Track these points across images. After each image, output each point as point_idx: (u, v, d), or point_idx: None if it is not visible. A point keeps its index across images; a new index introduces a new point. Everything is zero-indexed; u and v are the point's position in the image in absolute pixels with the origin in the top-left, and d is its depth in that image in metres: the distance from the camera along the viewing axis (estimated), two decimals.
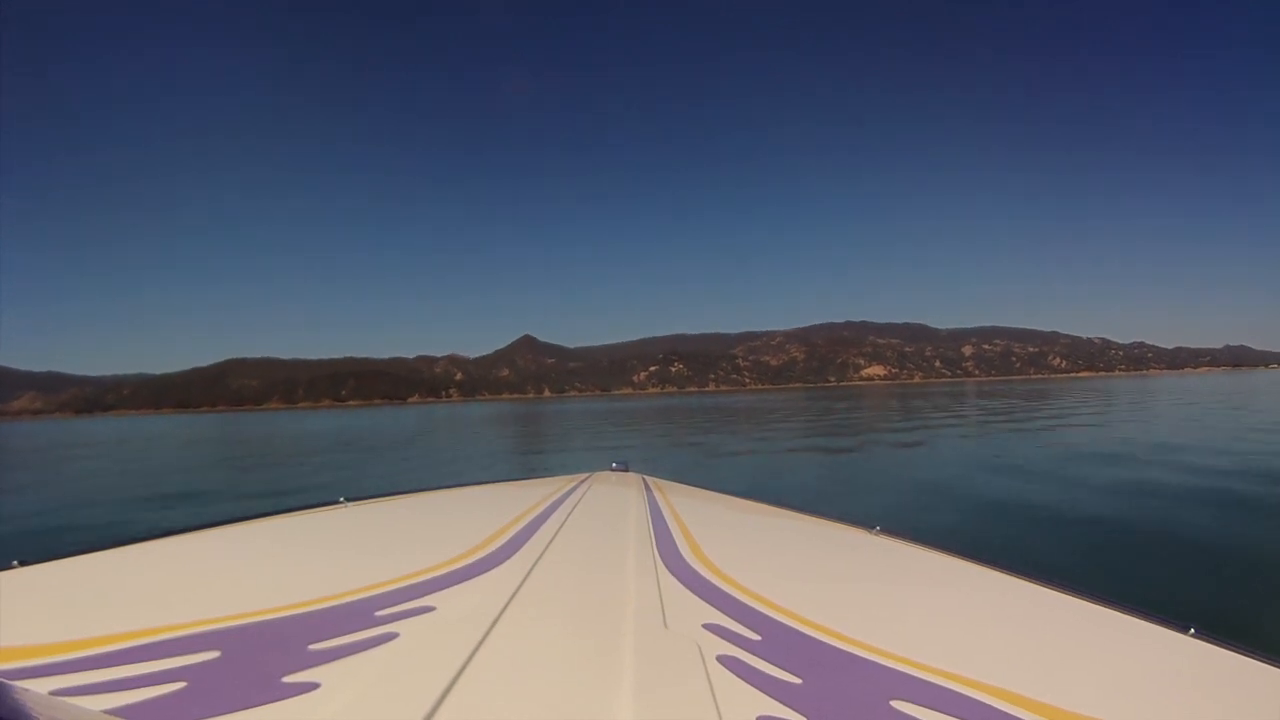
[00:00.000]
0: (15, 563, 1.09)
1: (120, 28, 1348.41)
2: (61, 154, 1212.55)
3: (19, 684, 0.48)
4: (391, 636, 0.78)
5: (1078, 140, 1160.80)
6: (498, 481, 2.33)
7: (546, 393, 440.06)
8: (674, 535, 1.40)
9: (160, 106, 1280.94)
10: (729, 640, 0.83)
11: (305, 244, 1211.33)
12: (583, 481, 2.15)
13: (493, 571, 1.06)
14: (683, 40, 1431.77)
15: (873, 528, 1.57)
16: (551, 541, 1.27)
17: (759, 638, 0.85)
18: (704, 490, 2.26)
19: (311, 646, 0.75)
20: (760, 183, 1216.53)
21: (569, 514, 1.57)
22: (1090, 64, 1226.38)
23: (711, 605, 0.96)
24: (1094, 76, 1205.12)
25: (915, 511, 5.96)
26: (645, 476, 2.35)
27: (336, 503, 1.68)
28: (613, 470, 2.45)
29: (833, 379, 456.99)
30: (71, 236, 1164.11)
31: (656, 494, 1.94)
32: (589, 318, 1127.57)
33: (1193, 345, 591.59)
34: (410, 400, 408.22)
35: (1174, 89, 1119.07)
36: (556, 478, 2.27)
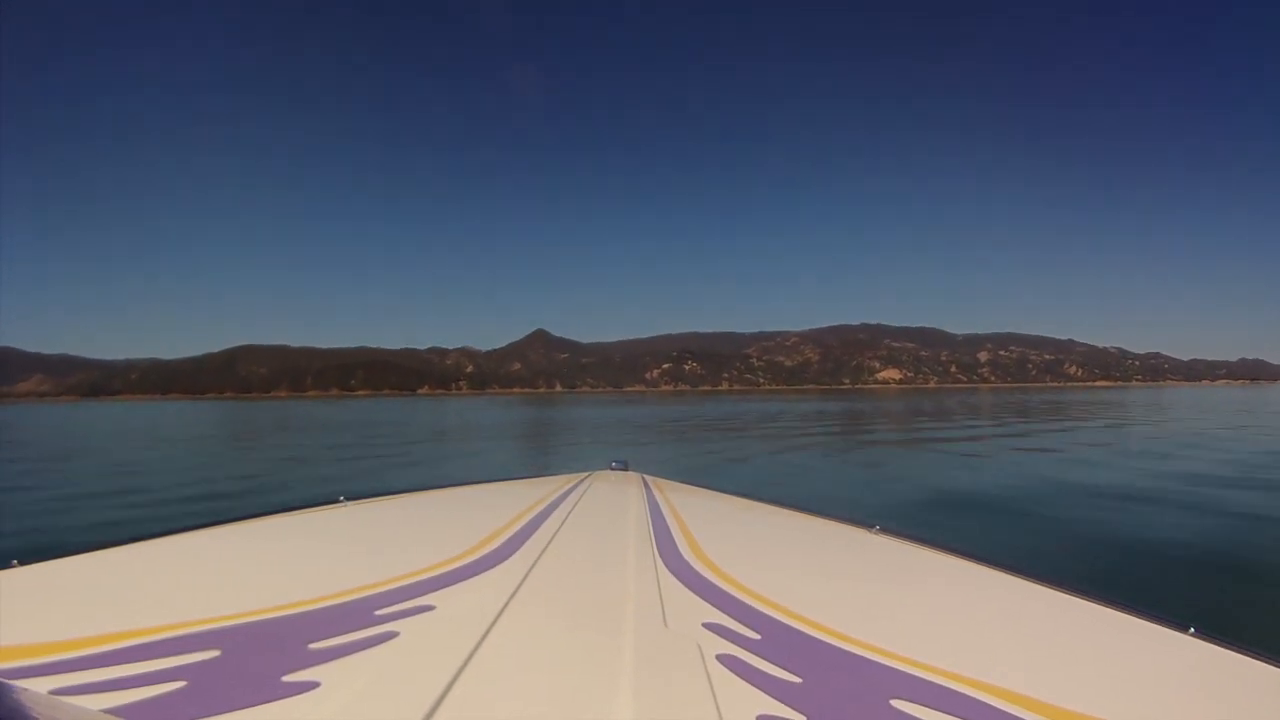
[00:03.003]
0: (15, 563, 1.08)
1: (137, 12, 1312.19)
2: (79, 139, 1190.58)
3: (19, 684, 0.47)
4: (391, 636, 0.78)
5: (1099, 148, 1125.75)
6: (497, 481, 2.31)
7: (558, 387, 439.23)
8: (674, 534, 1.40)
9: (179, 93, 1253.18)
10: (729, 639, 0.83)
11: (325, 234, 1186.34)
12: (582, 480, 2.13)
13: (492, 571, 1.06)
14: (700, 37, 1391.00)
15: (873, 527, 1.57)
16: (551, 541, 1.27)
17: (759, 637, 0.85)
18: (704, 489, 2.25)
19: (311, 646, 0.75)
20: (779, 182, 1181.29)
21: (569, 513, 1.57)
22: (1113, 72, 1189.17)
23: (711, 604, 0.96)
24: (1116, 85, 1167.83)
25: (919, 512, 5.84)
26: (645, 475, 2.35)
27: (336, 502, 1.69)
28: (612, 469, 2.45)
29: (847, 381, 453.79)
30: (89, 222, 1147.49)
31: (656, 493, 1.93)
32: (603, 314, 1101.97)
33: (1209, 358, 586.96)
34: (420, 392, 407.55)
35: (1196, 100, 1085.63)
36: (556, 477, 2.25)
